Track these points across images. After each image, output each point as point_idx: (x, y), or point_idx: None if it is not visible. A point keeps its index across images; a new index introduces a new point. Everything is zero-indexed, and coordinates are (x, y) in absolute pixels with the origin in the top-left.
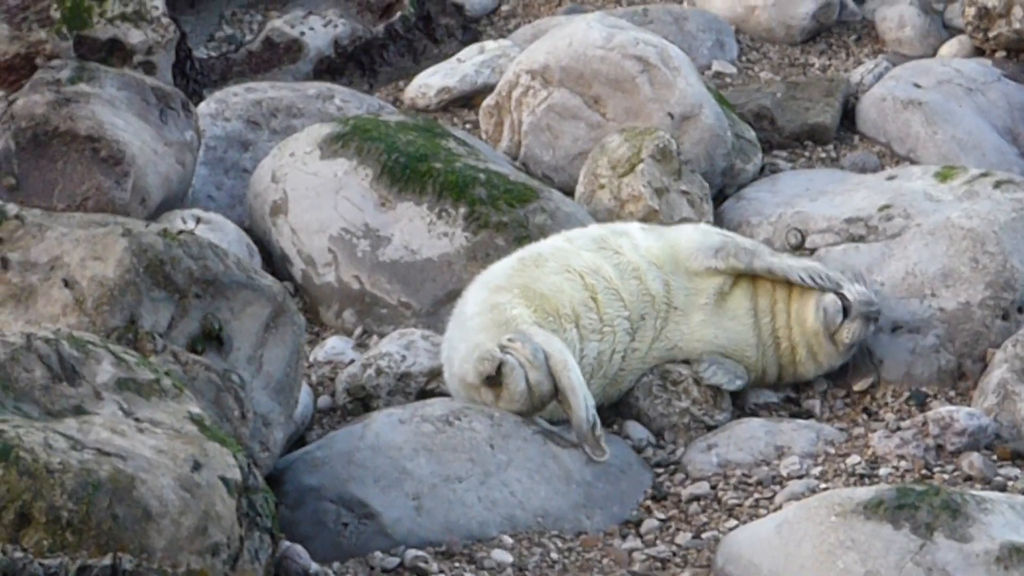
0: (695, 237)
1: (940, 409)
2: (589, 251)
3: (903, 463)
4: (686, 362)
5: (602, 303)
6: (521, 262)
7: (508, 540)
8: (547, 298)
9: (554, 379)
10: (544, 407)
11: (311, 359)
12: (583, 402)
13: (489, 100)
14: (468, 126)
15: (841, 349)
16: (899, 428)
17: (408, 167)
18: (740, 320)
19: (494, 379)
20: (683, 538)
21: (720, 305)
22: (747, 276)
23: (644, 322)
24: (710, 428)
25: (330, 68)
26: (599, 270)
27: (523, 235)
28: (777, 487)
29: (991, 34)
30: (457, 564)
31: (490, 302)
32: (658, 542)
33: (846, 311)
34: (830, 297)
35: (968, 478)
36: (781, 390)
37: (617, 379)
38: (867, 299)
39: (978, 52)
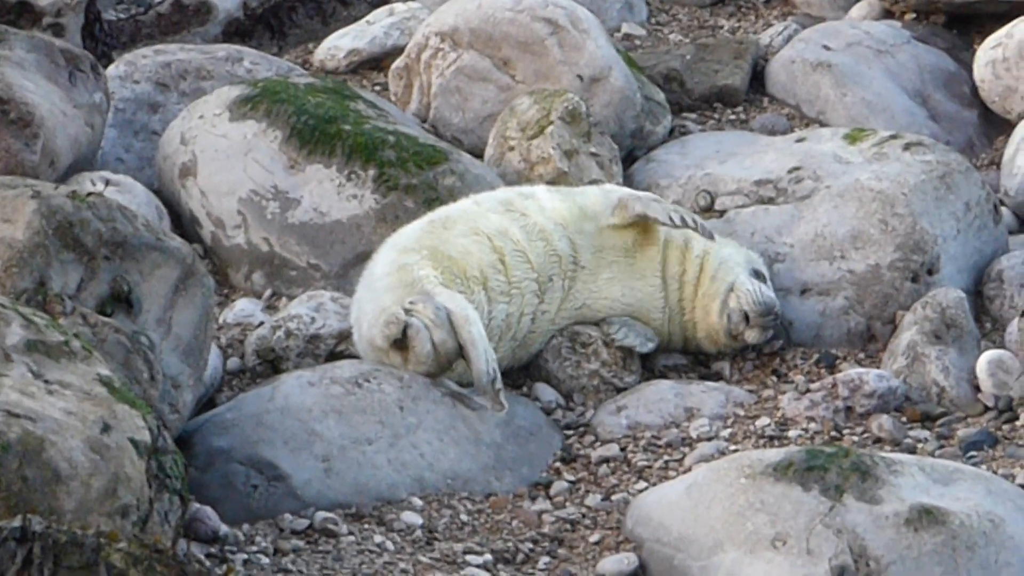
0: (599, 198)
1: (850, 371)
2: (496, 214)
3: (812, 425)
4: (596, 324)
5: (510, 265)
6: (431, 224)
7: (418, 502)
8: (455, 260)
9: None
10: (451, 365)
11: (220, 321)
12: (483, 355)
13: (398, 62)
14: (377, 88)
15: (740, 343)
16: (808, 390)
17: (317, 129)
18: (648, 281)
19: (401, 342)
20: (593, 500)
21: (628, 264)
22: (656, 241)
23: (552, 283)
24: (620, 390)
25: (239, 30)
26: (507, 232)
27: (432, 197)
28: (687, 449)
29: None
30: (367, 526)
31: (398, 263)
32: (568, 504)
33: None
34: (735, 305)
35: (878, 440)
36: (690, 352)
37: (526, 341)
38: (763, 309)
39: (888, 14)
